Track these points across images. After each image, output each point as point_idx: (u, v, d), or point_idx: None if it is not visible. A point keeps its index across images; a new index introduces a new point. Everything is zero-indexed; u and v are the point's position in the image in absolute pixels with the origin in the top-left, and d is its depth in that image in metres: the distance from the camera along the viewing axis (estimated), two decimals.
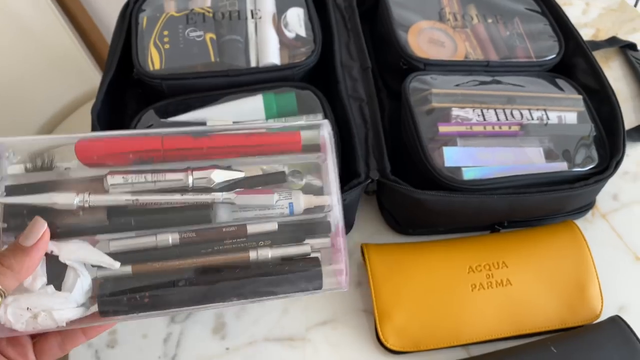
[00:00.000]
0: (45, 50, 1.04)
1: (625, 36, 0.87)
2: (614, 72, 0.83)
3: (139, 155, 0.40)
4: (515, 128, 0.65)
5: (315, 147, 0.44)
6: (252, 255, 0.41)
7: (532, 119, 0.65)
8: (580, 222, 0.68)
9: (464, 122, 0.64)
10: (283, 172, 0.44)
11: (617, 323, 0.58)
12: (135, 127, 0.63)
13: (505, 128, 0.65)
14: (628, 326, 0.58)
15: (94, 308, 0.39)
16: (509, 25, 0.76)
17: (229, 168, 0.42)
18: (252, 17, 0.71)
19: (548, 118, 0.65)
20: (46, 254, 0.39)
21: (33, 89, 1.03)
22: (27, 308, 0.37)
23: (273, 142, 0.43)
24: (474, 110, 0.64)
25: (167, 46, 0.67)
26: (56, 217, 0.39)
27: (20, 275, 0.37)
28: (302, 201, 0.43)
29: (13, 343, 0.40)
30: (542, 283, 0.60)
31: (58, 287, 0.39)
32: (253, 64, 0.67)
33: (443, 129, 0.63)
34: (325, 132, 0.43)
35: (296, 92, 0.66)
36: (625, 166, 0.73)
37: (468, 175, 0.60)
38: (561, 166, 0.62)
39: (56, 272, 0.39)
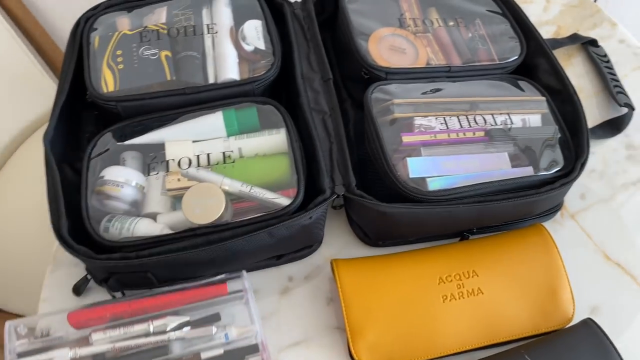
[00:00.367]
0: (2, 71, 1.00)
1: (587, 32, 0.87)
2: (577, 69, 0.83)
3: (113, 315, 0.56)
4: (479, 134, 0.64)
5: (238, 290, 0.59)
6: None
7: (496, 124, 0.64)
8: (549, 224, 0.68)
9: (427, 131, 0.63)
10: (218, 313, 0.58)
11: (589, 326, 0.58)
12: (91, 152, 0.61)
13: (469, 134, 0.64)
14: (600, 329, 0.58)
15: None
16: (471, 27, 0.75)
17: (177, 314, 0.56)
18: (209, 32, 0.69)
19: (512, 122, 0.65)
20: None
21: None
22: None
23: (207, 294, 0.58)
24: (436, 118, 0.64)
25: (121, 66, 0.65)
26: None
27: None
28: (234, 332, 0.56)
29: None
30: (513, 290, 0.60)
31: None
32: (211, 80, 0.66)
33: (407, 139, 0.62)
34: (245, 283, 0.58)
35: (257, 107, 0.65)
36: (592, 164, 0.73)
37: (433, 185, 0.59)
38: (527, 171, 0.61)
39: None
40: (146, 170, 0.62)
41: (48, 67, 1.11)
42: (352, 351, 0.57)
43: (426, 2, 0.77)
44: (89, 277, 0.60)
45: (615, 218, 0.69)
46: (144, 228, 0.58)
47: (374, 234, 0.65)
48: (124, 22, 0.70)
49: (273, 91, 0.70)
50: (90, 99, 0.64)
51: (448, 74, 0.69)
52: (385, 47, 0.70)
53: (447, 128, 0.63)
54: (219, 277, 0.59)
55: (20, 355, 0.54)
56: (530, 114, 0.66)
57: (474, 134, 0.64)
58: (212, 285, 0.58)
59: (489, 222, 0.63)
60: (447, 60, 0.71)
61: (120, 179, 0.60)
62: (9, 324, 0.55)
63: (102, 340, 0.54)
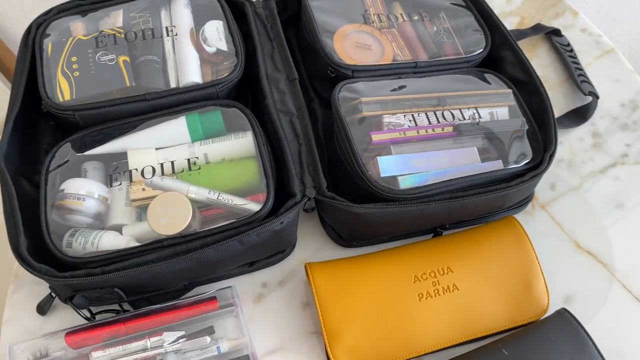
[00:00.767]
0: None
1: (550, 22, 0.88)
2: (542, 60, 0.84)
3: (110, 334, 0.56)
4: (448, 129, 0.64)
5: (228, 304, 0.59)
6: None
7: (464, 119, 0.64)
8: (521, 216, 0.69)
9: (396, 128, 0.62)
10: (212, 327, 0.58)
11: (563, 316, 0.58)
12: (49, 164, 0.59)
13: (438, 130, 0.64)
14: (574, 318, 0.58)
15: None
16: (436, 21, 0.75)
17: (172, 329, 0.57)
18: (168, 34, 0.66)
19: (480, 116, 0.65)
20: None
21: None
22: None
23: (199, 310, 0.58)
24: (405, 115, 0.63)
25: (76, 73, 0.62)
26: None
27: None
28: (226, 344, 0.57)
29: None
30: (488, 284, 0.59)
31: None
32: (173, 84, 0.64)
33: (376, 137, 0.61)
34: (235, 297, 0.59)
35: (222, 110, 0.63)
36: (559, 154, 0.74)
37: (404, 184, 0.58)
38: (496, 165, 0.61)
39: None
40: (109, 181, 0.60)
41: (1, 74, 1.06)
42: (330, 355, 0.56)
43: None
44: (53, 295, 0.58)
45: (585, 206, 0.70)
46: (109, 241, 0.56)
47: (348, 235, 0.64)
48: (78, 27, 0.67)
49: (238, 93, 0.68)
50: (46, 109, 0.61)
51: (415, 69, 0.68)
52: (350, 44, 0.69)
53: (416, 125, 0.63)
54: (209, 293, 0.59)
55: None
56: (497, 107, 0.66)
57: (442, 129, 0.64)
58: (203, 302, 0.58)
59: (461, 217, 0.63)
60: (413, 55, 0.71)
61: (82, 192, 0.57)
62: (8, 346, 0.56)
63: (102, 357, 0.55)
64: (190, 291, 0.61)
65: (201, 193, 0.57)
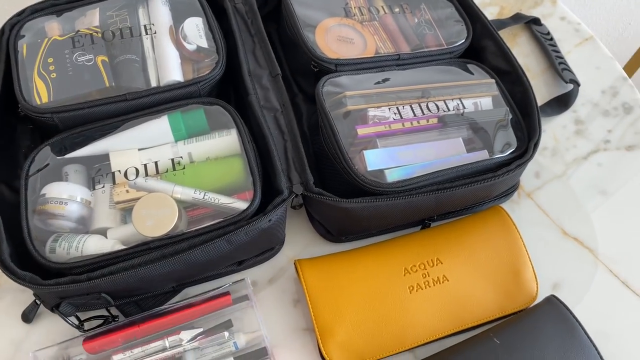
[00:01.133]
0: None
1: (529, 11, 0.88)
2: (523, 49, 0.84)
3: (126, 337, 0.56)
4: (433, 121, 0.64)
5: (244, 297, 0.60)
6: None
7: (449, 110, 0.64)
8: (507, 205, 0.69)
9: (381, 121, 0.62)
10: (229, 320, 0.58)
11: (552, 303, 0.59)
12: (29, 168, 0.57)
13: (423, 122, 0.64)
14: (563, 304, 0.59)
15: None
16: (417, 13, 0.75)
17: (191, 327, 0.57)
18: (147, 32, 0.65)
19: (464, 106, 0.65)
20: None
21: None
22: None
23: (213, 307, 0.58)
24: (389, 108, 0.63)
25: (53, 75, 0.61)
26: None
27: None
28: (243, 339, 0.57)
29: None
30: (477, 274, 0.60)
31: None
32: (153, 83, 0.62)
33: (362, 131, 0.61)
34: (249, 289, 0.59)
35: (205, 108, 0.62)
36: (543, 142, 0.74)
37: (391, 177, 0.58)
38: (482, 155, 0.61)
39: None
40: (91, 183, 0.58)
41: None
42: (323, 351, 0.56)
43: None
44: (38, 302, 0.57)
45: (570, 193, 0.70)
46: (94, 245, 0.55)
47: (336, 230, 0.63)
48: (53, 27, 0.65)
49: (221, 90, 0.67)
50: (24, 113, 0.60)
51: (397, 62, 0.68)
52: (332, 38, 0.69)
53: (401, 117, 0.62)
54: (222, 288, 0.59)
55: None
56: (481, 97, 0.66)
57: (427, 121, 0.64)
58: (217, 297, 0.58)
59: (449, 209, 0.63)
60: (395, 48, 0.71)
61: (64, 196, 0.56)
62: (32, 354, 0.55)
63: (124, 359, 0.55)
64: (179, 293, 0.60)
65: (187, 193, 0.56)
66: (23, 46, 0.63)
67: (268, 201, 0.56)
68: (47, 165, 0.58)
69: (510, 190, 0.68)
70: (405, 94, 0.65)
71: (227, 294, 0.58)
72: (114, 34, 0.64)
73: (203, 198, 0.56)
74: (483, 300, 0.59)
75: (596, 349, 0.56)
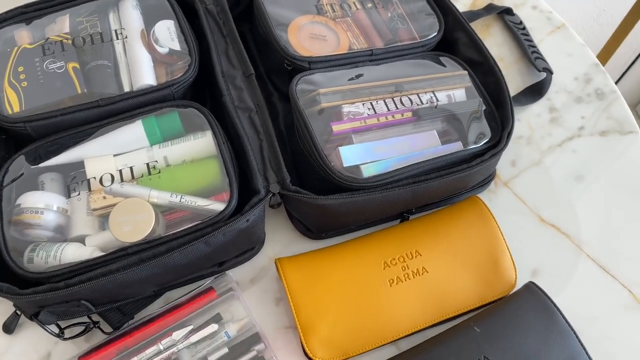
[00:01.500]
0: None
1: (502, 1, 0.89)
2: (496, 39, 0.85)
3: (119, 349, 0.57)
4: (407, 115, 0.64)
5: (228, 290, 0.61)
6: None
7: (422, 103, 0.64)
8: (485, 194, 0.70)
9: (356, 117, 0.62)
10: (218, 314, 0.59)
11: (531, 290, 0.60)
12: (3, 179, 0.57)
13: (398, 116, 0.64)
14: (542, 291, 0.59)
15: None
16: (389, 7, 0.75)
17: (182, 325, 0.58)
18: (118, 37, 0.65)
19: (437, 99, 0.65)
20: None
21: None
22: None
23: (199, 304, 0.60)
24: (363, 104, 0.63)
25: (24, 84, 0.60)
26: None
27: None
28: (233, 327, 0.58)
29: None
30: (456, 264, 0.60)
31: None
32: (126, 88, 0.62)
33: (337, 128, 0.61)
34: (232, 281, 0.61)
35: (179, 111, 0.62)
36: (519, 131, 0.75)
37: (367, 172, 0.58)
38: (456, 146, 0.62)
39: None
40: (67, 191, 0.58)
41: None
42: (306, 349, 0.56)
43: None
44: (18, 312, 0.56)
45: (546, 180, 0.71)
46: (72, 253, 0.54)
47: (316, 227, 0.64)
48: (23, 36, 0.65)
49: (195, 92, 0.67)
50: None
51: (371, 57, 0.68)
52: (305, 36, 0.69)
53: (375, 112, 0.63)
54: (205, 285, 0.60)
55: None
56: (454, 89, 0.67)
57: (402, 115, 0.64)
58: (202, 294, 0.59)
59: (426, 201, 0.64)
60: (368, 43, 0.71)
61: (40, 205, 0.56)
62: None
63: None
64: (160, 297, 0.61)
65: (163, 197, 0.56)
66: None
67: (246, 201, 0.56)
68: (22, 174, 0.58)
69: (487, 180, 0.69)
70: (379, 89, 0.65)
71: (211, 289, 0.59)
72: (85, 40, 0.64)
73: (180, 201, 0.56)
74: (463, 289, 0.60)
75: (575, 333, 0.57)
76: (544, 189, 0.71)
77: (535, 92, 0.78)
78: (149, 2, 0.69)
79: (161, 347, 0.56)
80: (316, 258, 0.60)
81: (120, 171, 0.58)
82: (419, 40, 0.71)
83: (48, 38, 0.64)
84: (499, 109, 0.65)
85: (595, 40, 1.47)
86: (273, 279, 0.63)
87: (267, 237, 0.65)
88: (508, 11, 0.86)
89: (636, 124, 0.77)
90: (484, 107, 0.65)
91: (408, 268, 0.59)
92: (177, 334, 0.56)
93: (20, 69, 0.61)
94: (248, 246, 0.62)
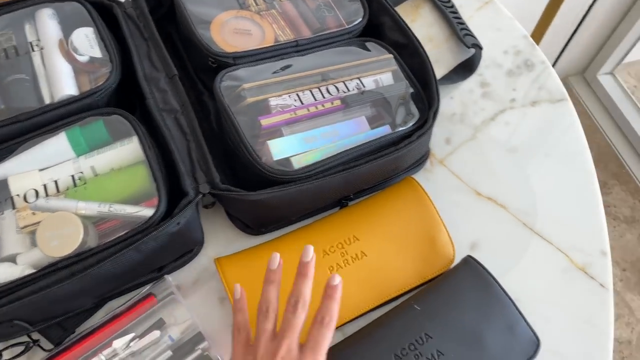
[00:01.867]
0: None
1: None
2: (426, 19, 0.86)
3: None
4: (337, 103, 0.65)
5: (169, 294, 0.61)
6: None
7: (349, 90, 0.65)
8: (421, 174, 0.71)
9: (284, 110, 0.62)
10: (161, 319, 0.59)
11: (468, 263, 0.61)
12: None
13: (328, 105, 0.64)
14: (479, 263, 0.61)
15: None
16: None
17: (125, 334, 0.58)
18: (34, 49, 0.63)
19: (364, 85, 0.66)
20: None
21: None
22: None
23: (139, 312, 0.59)
24: (289, 95, 0.63)
25: None
26: None
27: None
28: (176, 330, 0.58)
29: None
30: (394, 246, 0.61)
31: None
32: (47, 100, 0.61)
33: (265, 122, 0.61)
34: (171, 285, 0.61)
35: (104, 119, 0.61)
36: (452, 108, 0.76)
37: (298, 163, 0.59)
38: (385, 130, 0.63)
39: None
40: None
41: None
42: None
43: None
44: None
45: (481, 155, 0.73)
46: (3, 273, 0.53)
47: (254, 223, 0.64)
48: None
49: (124, 98, 0.66)
50: None
51: (296, 48, 0.68)
52: (228, 31, 0.68)
53: (302, 103, 0.63)
54: (143, 292, 0.60)
55: None
56: (381, 74, 0.67)
57: (332, 103, 0.65)
58: (141, 301, 0.59)
59: (360, 186, 0.64)
60: (296, 34, 0.71)
61: None
62: None
63: None
64: (101, 308, 0.60)
65: (91, 207, 0.56)
66: None
67: (174, 206, 0.56)
68: None
69: (422, 160, 0.70)
70: (306, 80, 0.65)
71: (150, 295, 0.59)
72: None
73: (109, 210, 0.56)
74: (402, 269, 0.61)
75: (512, 302, 0.59)
76: (479, 164, 0.72)
77: (467, 68, 0.79)
78: (66, 11, 0.67)
79: (103, 359, 0.55)
80: (255, 254, 0.60)
81: (45, 186, 0.57)
82: (345, 27, 0.71)
83: None
84: (425, 89, 0.66)
85: (529, 15, 1.49)
86: (215, 279, 0.63)
87: (207, 237, 0.65)
88: None
89: (565, 92, 0.78)
90: (411, 90, 0.66)
91: (347, 254, 0.60)
92: (117, 343, 0.56)
93: None
94: (186, 249, 0.62)
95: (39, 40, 0.64)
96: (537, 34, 1.54)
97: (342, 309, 0.58)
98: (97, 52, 0.64)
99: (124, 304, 0.59)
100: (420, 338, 0.56)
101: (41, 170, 0.59)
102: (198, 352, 0.57)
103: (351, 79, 0.65)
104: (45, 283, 0.51)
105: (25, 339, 0.56)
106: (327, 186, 0.59)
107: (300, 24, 0.72)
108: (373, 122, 0.64)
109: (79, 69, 0.64)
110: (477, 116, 0.76)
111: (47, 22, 0.66)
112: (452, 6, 0.85)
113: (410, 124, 0.63)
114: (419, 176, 0.69)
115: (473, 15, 0.86)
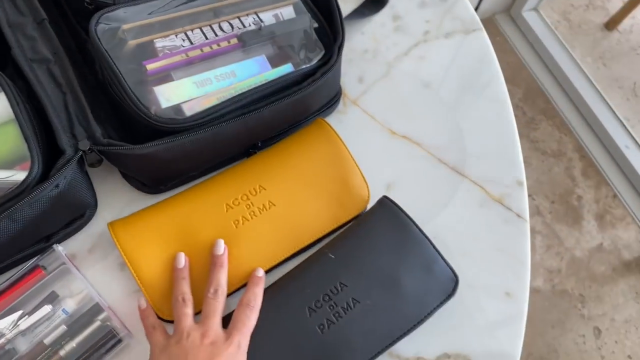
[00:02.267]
0: None
1: None
2: None
3: None
4: (234, 42, 0.59)
5: (61, 264, 0.55)
6: (62, 353, 0.52)
7: (245, 27, 0.59)
8: (334, 116, 0.67)
9: (173, 52, 0.56)
10: (53, 291, 0.54)
11: (384, 204, 0.58)
12: None
13: (224, 44, 0.59)
14: (394, 204, 0.58)
15: None
16: None
17: (12, 312, 0.52)
18: None
19: (262, 21, 0.60)
20: None
21: None
22: None
23: (27, 286, 0.54)
24: (177, 35, 0.57)
25: None
26: None
27: None
28: (71, 302, 0.54)
29: None
30: (305, 191, 0.58)
31: None
32: None
33: (151, 66, 0.55)
34: (61, 256, 0.55)
35: None
36: (364, 44, 0.72)
37: (191, 110, 0.53)
38: (287, 69, 0.58)
39: None
40: None
41: None
42: (156, 309, 0.52)
43: None
44: None
45: (395, 93, 0.69)
46: None
47: (150, 180, 0.58)
48: None
49: None
50: None
51: None
52: None
53: (192, 44, 0.57)
54: (29, 265, 0.55)
55: None
56: (281, 8, 0.62)
57: (229, 42, 0.59)
58: (26, 276, 0.54)
59: (268, 133, 0.60)
60: None
61: None
62: None
63: None
64: None
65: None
66: None
67: (51, 167, 0.50)
68: None
69: (334, 101, 0.65)
70: (196, 17, 0.59)
71: (36, 267, 0.54)
72: None
73: None
74: (316, 215, 0.58)
75: (429, 239, 0.57)
76: (393, 102, 0.69)
77: (378, 1, 0.74)
78: None
79: None
80: (152, 214, 0.55)
81: None
82: None
83: None
84: (330, 23, 0.61)
85: None
86: (113, 244, 0.58)
87: (101, 199, 0.59)
88: None
89: (479, 22, 0.76)
90: (315, 24, 0.61)
91: (253, 205, 0.56)
92: (2, 323, 0.50)
93: None
94: (75, 214, 0.56)
95: None
96: None
97: (252, 262, 0.55)
98: None
99: (6, 280, 0.53)
100: (335, 288, 0.53)
101: None
102: (97, 323, 0.52)
103: (247, 15, 0.60)
104: None
105: None
106: (225, 134, 0.54)
107: None
108: (275, 61, 0.59)
109: None
110: (390, 51, 0.72)
111: None
112: None
113: (315, 60, 0.58)
114: (332, 118, 0.65)
115: None
